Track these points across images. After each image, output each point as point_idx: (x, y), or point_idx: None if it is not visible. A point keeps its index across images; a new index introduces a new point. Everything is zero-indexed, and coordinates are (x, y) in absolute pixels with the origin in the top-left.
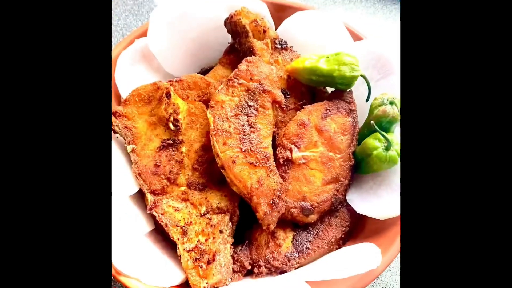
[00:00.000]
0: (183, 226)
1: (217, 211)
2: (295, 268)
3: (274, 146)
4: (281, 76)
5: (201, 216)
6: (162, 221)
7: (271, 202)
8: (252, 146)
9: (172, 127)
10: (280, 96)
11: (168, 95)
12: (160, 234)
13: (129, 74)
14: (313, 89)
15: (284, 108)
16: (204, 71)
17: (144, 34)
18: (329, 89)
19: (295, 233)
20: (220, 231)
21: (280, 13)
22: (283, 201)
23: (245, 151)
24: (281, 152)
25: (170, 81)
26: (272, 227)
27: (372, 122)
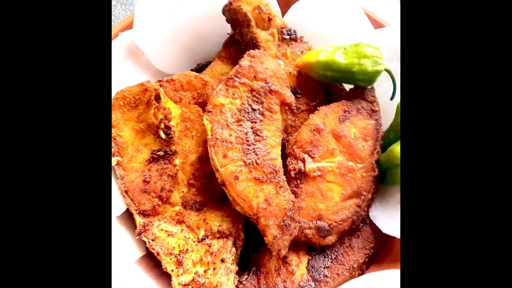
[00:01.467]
0: (178, 255)
1: (217, 235)
2: None
3: (284, 156)
4: (290, 72)
5: (199, 242)
6: (154, 249)
7: (282, 223)
8: (258, 158)
9: (163, 135)
10: (289, 97)
11: (158, 97)
12: (153, 259)
13: (113, 74)
14: (328, 86)
15: (295, 111)
16: (201, 67)
17: (130, 26)
18: (347, 87)
19: (310, 258)
20: (222, 260)
21: None
22: (296, 221)
23: (249, 164)
24: (292, 163)
25: (159, 81)
26: (283, 252)
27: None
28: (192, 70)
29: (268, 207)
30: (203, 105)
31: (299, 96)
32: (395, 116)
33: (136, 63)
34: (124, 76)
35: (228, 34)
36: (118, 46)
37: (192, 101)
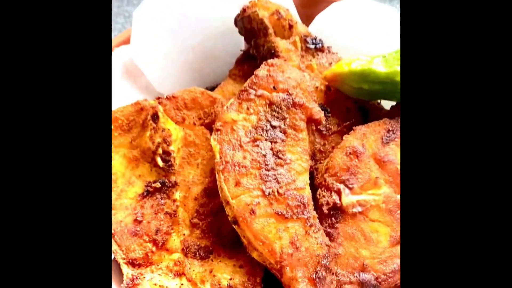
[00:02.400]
0: None
1: None
2: None
3: (312, 188)
4: (317, 87)
5: None
6: None
7: (314, 276)
8: (281, 187)
9: (160, 163)
10: (318, 112)
11: (155, 117)
12: None
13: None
14: (363, 105)
15: (324, 132)
16: (210, 90)
17: (126, 41)
18: (387, 106)
19: None
20: None
21: (308, 9)
22: (333, 273)
23: (269, 194)
24: (324, 196)
25: (158, 98)
26: None
27: None
28: None
29: (295, 253)
30: (210, 126)
31: (329, 115)
32: None
33: (134, 85)
34: (120, 100)
35: (241, 50)
36: (113, 64)
37: (198, 122)
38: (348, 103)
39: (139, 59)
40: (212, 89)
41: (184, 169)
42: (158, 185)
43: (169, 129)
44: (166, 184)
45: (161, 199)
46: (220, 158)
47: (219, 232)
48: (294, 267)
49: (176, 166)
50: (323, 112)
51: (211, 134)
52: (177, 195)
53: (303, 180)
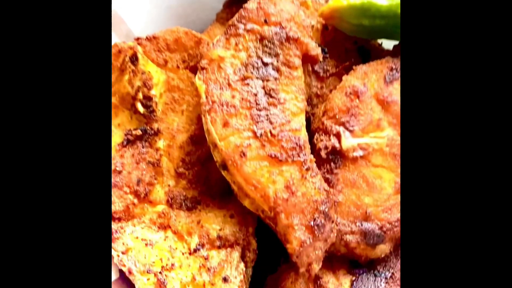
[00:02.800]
0: (160, 273)
1: (218, 243)
2: None
3: (310, 133)
4: (312, 26)
5: (190, 254)
6: (124, 265)
7: (312, 223)
8: (274, 128)
9: (141, 108)
10: (314, 48)
11: (134, 58)
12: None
13: None
14: (363, 45)
15: (321, 74)
16: None
17: None
18: (388, 45)
19: (354, 278)
20: (225, 279)
21: None
22: (332, 221)
23: (261, 136)
24: (322, 140)
25: (137, 38)
26: (315, 268)
27: None
28: None
29: (290, 198)
30: (195, 70)
31: (326, 55)
32: None
33: (113, 34)
34: None
35: None
36: None
37: (182, 65)
38: (347, 43)
39: (119, 5)
40: None
41: (167, 116)
42: (139, 132)
43: (149, 72)
44: (148, 131)
45: (143, 148)
46: (206, 98)
47: (207, 182)
48: (289, 213)
49: (158, 113)
50: (320, 48)
51: None
52: (161, 143)
53: (299, 122)
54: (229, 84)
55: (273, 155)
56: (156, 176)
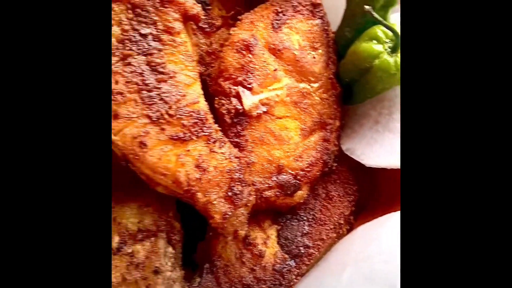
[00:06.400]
0: None
1: (140, 236)
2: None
3: (209, 96)
4: None
5: (115, 254)
6: None
7: (230, 193)
8: (170, 108)
9: None
10: (193, 7)
11: None
12: None
13: None
14: None
15: (207, 29)
16: None
17: None
18: None
19: (279, 227)
20: (156, 271)
21: None
22: (249, 184)
23: (158, 119)
24: (223, 105)
25: None
26: (242, 233)
27: (367, 8)
28: None
29: (203, 176)
30: None
31: (209, 8)
32: (346, 3)
33: None
34: None
35: None
36: None
37: None
38: None
39: None
40: None
41: None
42: None
43: None
44: None
45: None
46: None
47: (116, 174)
48: (205, 190)
49: None
50: (199, 5)
51: None
52: None
53: (195, 92)
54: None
55: (175, 137)
56: None
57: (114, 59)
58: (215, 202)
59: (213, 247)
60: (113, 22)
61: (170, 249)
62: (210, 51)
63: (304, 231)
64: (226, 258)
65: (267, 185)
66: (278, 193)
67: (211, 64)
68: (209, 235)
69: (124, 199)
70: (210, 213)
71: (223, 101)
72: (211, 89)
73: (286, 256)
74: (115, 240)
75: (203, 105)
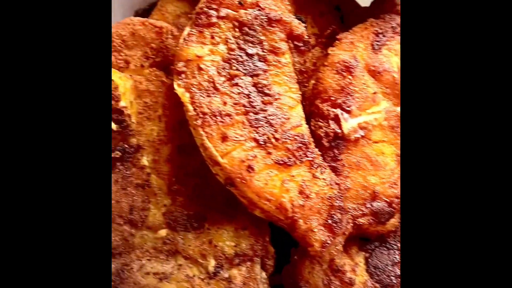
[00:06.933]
0: None
1: (237, 260)
2: None
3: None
4: None
5: (211, 278)
6: None
7: (330, 221)
8: (276, 131)
9: (113, 126)
10: (299, 26)
11: None
12: None
13: None
14: (338, 4)
15: (302, 47)
16: (141, 15)
17: None
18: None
19: (367, 255)
20: None
21: None
22: (346, 211)
23: (265, 143)
24: (321, 127)
25: None
26: (339, 262)
27: None
28: None
29: (306, 203)
30: (164, 65)
31: (305, 26)
32: None
33: None
34: None
35: None
36: None
37: (146, 62)
38: (321, 6)
39: None
40: (144, 12)
41: (144, 127)
42: (117, 154)
43: (113, 81)
44: (127, 150)
45: (126, 170)
46: (194, 109)
47: (209, 194)
48: (307, 217)
49: (133, 125)
50: (304, 25)
51: (166, 75)
52: (145, 160)
53: (298, 115)
54: (216, 88)
55: (280, 161)
56: (149, 199)
57: (220, 78)
58: (315, 230)
59: (299, 271)
60: (219, 40)
61: (263, 274)
62: (303, 70)
63: (395, 260)
64: (314, 284)
65: (361, 212)
66: (371, 221)
67: (303, 83)
68: (294, 259)
69: (219, 220)
70: (310, 241)
71: (320, 123)
72: (307, 110)
73: (377, 285)
74: (212, 263)
75: (305, 128)
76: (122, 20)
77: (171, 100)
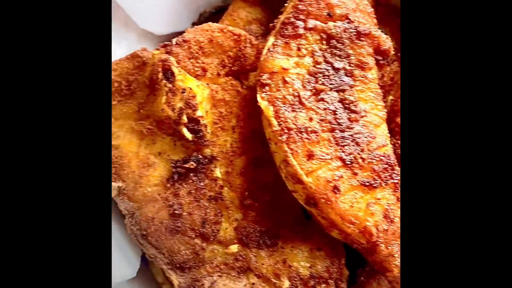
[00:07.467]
0: None
1: (312, 282)
2: None
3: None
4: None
5: None
6: None
7: None
8: (362, 150)
9: (189, 135)
10: (386, 41)
11: (169, 73)
12: None
13: None
14: None
15: (381, 61)
16: (207, 18)
17: None
18: None
19: None
20: None
21: None
22: None
23: (351, 163)
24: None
25: (165, 45)
26: None
27: None
28: (194, 24)
29: (390, 227)
30: (239, 75)
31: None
32: None
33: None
34: None
35: None
36: None
37: (222, 70)
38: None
39: None
40: (210, 16)
41: (218, 137)
42: (192, 165)
43: (190, 89)
44: (201, 161)
45: (199, 182)
46: (279, 124)
47: (283, 210)
48: (389, 242)
49: (208, 135)
50: (391, 39)
51: (241, 85)
52: (218, 172)
53: (383, 134)
54: (301, 103)
55: (366, 183)
56: (221, 212)
57: (306, 93)
58: (396, 255)
59: None
60: (305, 52)
61: None
62: (381, 84)
63: None
64: None
65: None
66: None
67: (384, 98)
68: (361, 280)
69: (293, 239)
70: (390, 267)
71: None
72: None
73: None
74: (286, 284)
75: (390, 148)
76: (200, 26)
77: (245, 110)
